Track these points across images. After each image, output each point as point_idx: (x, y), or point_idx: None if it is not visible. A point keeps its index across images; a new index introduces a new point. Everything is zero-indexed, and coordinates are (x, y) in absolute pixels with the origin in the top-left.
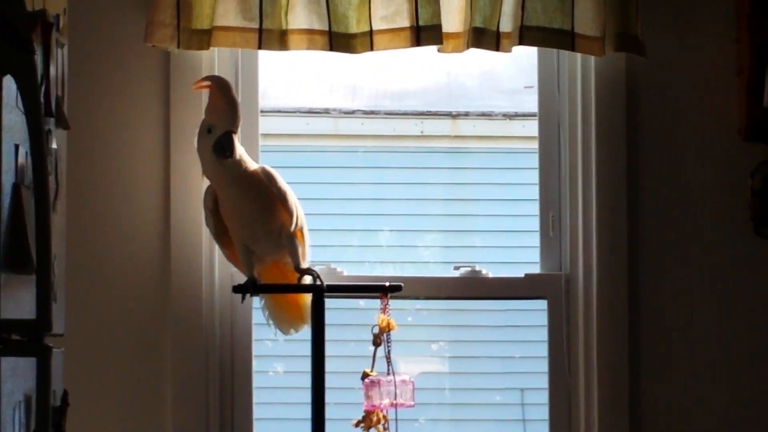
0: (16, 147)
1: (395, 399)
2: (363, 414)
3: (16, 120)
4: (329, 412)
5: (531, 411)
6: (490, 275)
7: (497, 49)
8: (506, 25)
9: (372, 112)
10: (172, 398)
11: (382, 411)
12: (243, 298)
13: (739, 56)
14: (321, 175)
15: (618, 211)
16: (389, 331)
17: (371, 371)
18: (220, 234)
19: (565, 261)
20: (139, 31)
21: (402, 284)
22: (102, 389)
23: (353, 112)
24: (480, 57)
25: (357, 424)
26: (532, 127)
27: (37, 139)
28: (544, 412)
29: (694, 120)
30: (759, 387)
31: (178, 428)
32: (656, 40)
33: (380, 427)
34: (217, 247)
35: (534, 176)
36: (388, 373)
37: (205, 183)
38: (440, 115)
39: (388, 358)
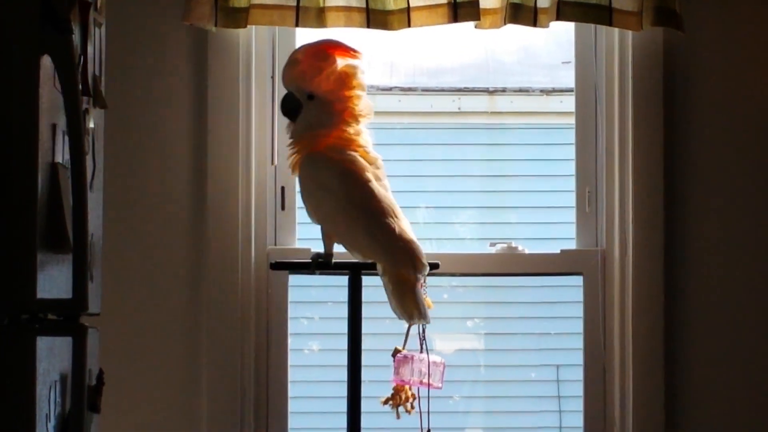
0: (54, 126)
1: (424, 378)
2: (392, 391)
3: (53, 99)
4: (362, 390)
5: (566, 387)
6: (526, 251)
7: (534, 25)
8: (543, 0)
9: (409, 89)
10: (208, 377)
11: (410, 388)
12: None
13: None
14: None
15: (654, 187)
16: None
17: (403, 349)
18: None
19: (601, 237)
20: (176, 10)
21: (439, 262)
22: (138, 368)
23: (390, 89)
24: (517, 32)
25: (386, 402)
26: (569, 103)
27: (74, 119)
28: (579, 389)
29: (732, 95)
30: None
31: (213, 407)
32: (694, 13)
33: (408, 405)
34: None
35: (570, 152)
36: (421, 351)
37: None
38: (477, 91)
39: (422, 336)
